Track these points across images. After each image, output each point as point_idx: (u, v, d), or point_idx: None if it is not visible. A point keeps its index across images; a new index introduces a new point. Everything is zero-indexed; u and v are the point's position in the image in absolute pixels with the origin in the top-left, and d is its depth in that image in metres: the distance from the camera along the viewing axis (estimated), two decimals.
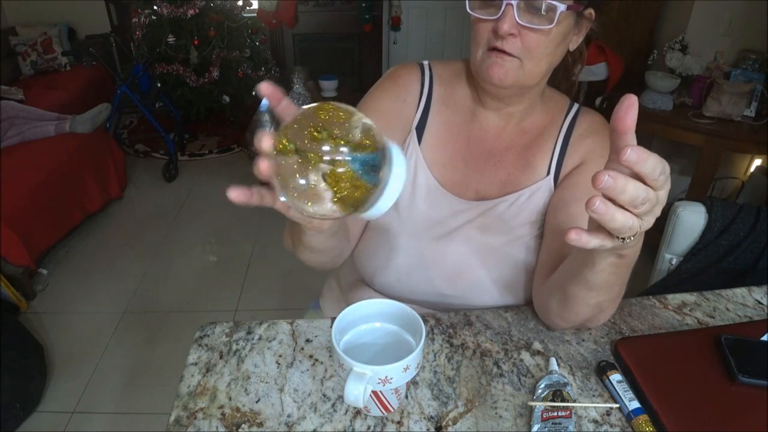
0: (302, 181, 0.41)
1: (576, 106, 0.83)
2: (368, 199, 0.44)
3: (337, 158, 0.40)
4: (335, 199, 0.42)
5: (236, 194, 0.47)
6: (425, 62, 0.86)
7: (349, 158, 0.41)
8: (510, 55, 0.70)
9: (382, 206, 0.46)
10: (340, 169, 0.41)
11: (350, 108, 0.43)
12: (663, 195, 0.45)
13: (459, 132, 0.83)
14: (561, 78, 0.85)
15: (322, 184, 0.41)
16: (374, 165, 0.42)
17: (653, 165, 0.42)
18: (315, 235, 0.62)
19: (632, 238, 0.47)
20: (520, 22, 0.67)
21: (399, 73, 0.85)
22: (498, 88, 0.75)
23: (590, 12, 0.72)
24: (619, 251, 0.54)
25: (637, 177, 0.43)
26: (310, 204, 0.42)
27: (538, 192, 0.79)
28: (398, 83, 0.84)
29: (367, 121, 0.43)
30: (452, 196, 0.82)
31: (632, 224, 0.45)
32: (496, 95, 0.78)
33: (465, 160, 0.82)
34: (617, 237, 0.47)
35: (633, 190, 0.42)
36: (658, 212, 0.46)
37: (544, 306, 0.76)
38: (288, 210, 0.50)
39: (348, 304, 0.66)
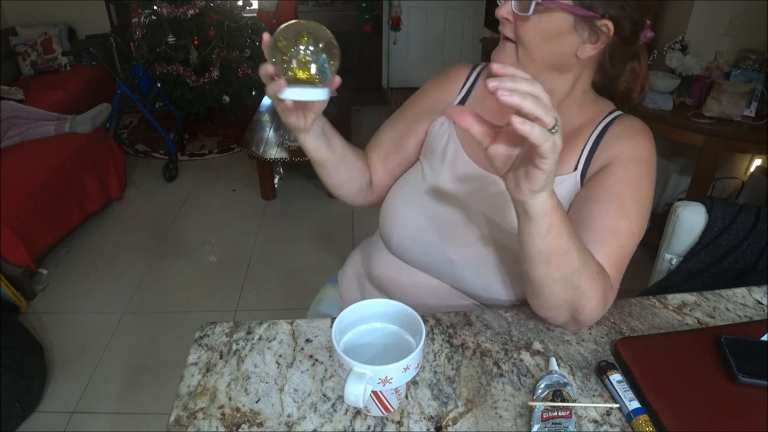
0: (290, 60, 0.67)
1: (618, 112, 0.83)
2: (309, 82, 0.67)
3: (309, 57, 0.67)
4: (297, 71, 0.66)
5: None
6: (483, 64, 0.93)
7: (315, 58, 0.67)
8: (510, 40, 0.76)
9: (311, 94, 0.67)
10: (309, 62, 0.67)
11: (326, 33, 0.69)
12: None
13: (493, 120, 0.84)
14: (620, 101, 0.86)
15: (295, 63, 0.67)
16: (323, 68, 0.67)
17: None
18: (306, 140, 0.78)
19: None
20: (513, 10, 0.73)
21: (451, 69, 0.95)
22: None
23: (606, 24, 0.70)
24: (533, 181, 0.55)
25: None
26: (287, 71, 0.67)
27: (562, 184, 0.79)
28: (446, 76, 0.94)
29: (335, 43, 0.68)
30: (477, 168, 0.85)
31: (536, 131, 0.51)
32: None
33: None
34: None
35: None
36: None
37: (530, 302, 0.76)
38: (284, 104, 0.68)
39: (368, 280, 0.66)
